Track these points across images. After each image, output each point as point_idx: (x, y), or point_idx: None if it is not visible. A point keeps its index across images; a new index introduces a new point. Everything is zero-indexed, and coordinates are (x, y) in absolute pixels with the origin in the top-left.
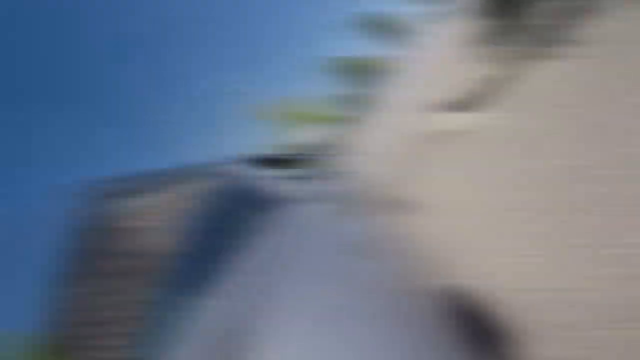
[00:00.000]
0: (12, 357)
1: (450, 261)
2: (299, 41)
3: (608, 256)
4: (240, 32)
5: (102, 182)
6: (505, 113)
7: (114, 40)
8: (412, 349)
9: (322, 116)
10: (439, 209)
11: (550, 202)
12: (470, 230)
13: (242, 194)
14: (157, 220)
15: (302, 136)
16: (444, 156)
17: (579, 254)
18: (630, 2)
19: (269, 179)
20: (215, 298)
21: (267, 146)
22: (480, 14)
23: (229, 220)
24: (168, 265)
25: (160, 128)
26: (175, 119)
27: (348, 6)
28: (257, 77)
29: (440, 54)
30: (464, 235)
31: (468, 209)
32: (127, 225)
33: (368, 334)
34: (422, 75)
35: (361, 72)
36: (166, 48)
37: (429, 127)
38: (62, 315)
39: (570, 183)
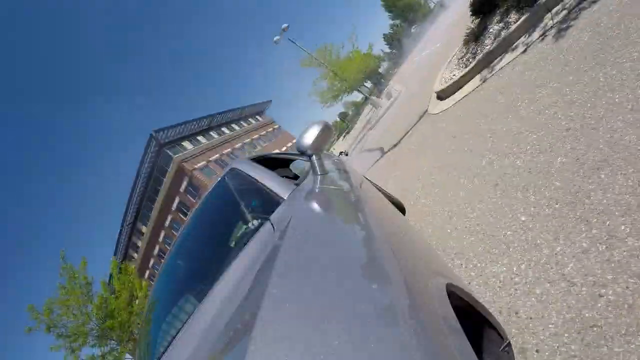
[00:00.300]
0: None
1: (444, 259)
2: None
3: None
4: None
5: (161, 131)
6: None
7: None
8: (412, 348)
9: (365, 60)
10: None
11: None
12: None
13: (244, 192)
14: (208, 162)
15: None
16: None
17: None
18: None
19: (271, 178)
20: (213, 296)
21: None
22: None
23: (230, 218)
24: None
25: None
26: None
27: None
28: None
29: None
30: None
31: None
32: (183, 167)
33: (367, 333)
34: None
35: (407, 10)
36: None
37: (427, 109)
38: (135, 245)
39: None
